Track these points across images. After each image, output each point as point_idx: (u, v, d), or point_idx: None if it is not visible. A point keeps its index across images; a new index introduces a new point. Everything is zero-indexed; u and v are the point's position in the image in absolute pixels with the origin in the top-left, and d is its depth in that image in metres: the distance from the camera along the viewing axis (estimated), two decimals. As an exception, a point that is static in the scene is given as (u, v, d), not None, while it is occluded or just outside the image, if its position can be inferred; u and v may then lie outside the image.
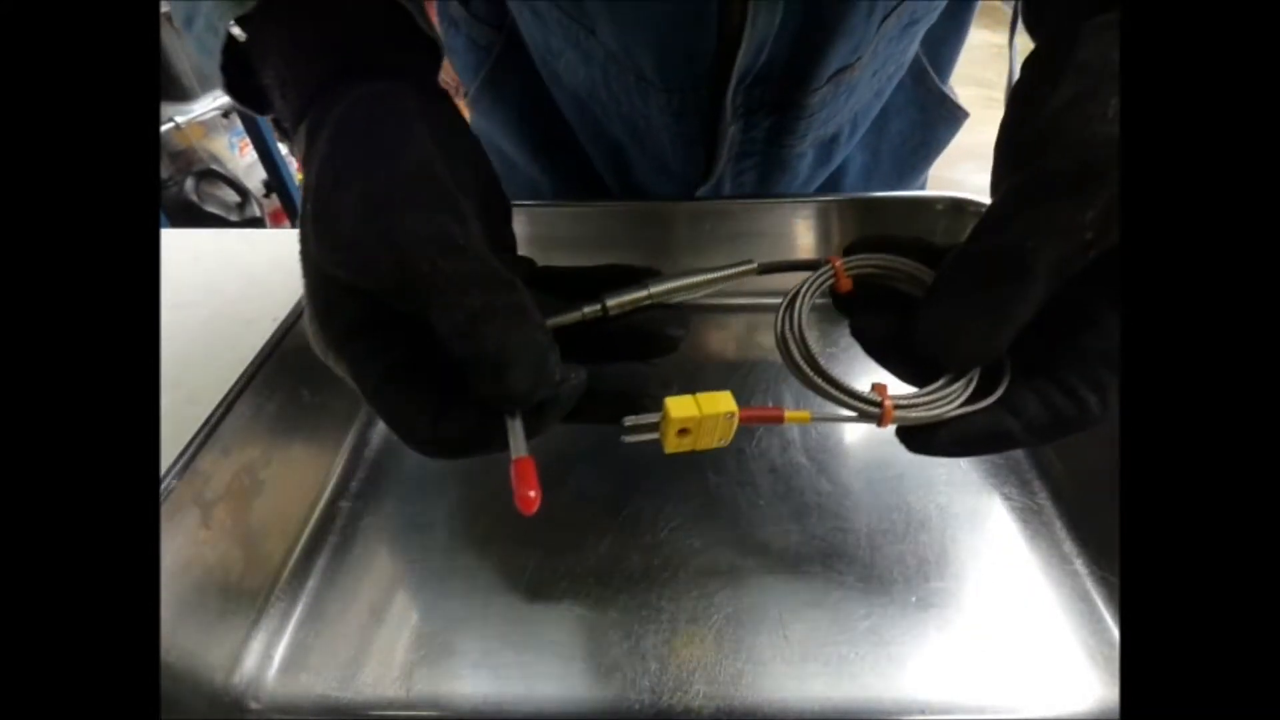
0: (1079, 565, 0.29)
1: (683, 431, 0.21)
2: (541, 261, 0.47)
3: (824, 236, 0.44)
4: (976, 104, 0.53)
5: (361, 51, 0.24)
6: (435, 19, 0.51)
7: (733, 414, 0.21)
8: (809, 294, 0.24)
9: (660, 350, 0.24)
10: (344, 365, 0.21)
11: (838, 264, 0.24)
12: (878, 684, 0.25)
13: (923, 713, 0.25)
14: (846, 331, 0.25)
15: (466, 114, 0.53)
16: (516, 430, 0.21)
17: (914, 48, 0.42)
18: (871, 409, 0.21)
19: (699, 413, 0.21)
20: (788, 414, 0.22)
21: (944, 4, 0.40)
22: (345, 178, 0.20)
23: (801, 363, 0.22)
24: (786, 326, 0.23)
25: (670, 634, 0.27)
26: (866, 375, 0.25)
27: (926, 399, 0.21)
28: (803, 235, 0.44)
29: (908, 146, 0.50)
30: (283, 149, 1.70)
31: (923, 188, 0.55)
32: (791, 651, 0.26)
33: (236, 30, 0.24)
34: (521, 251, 0.46)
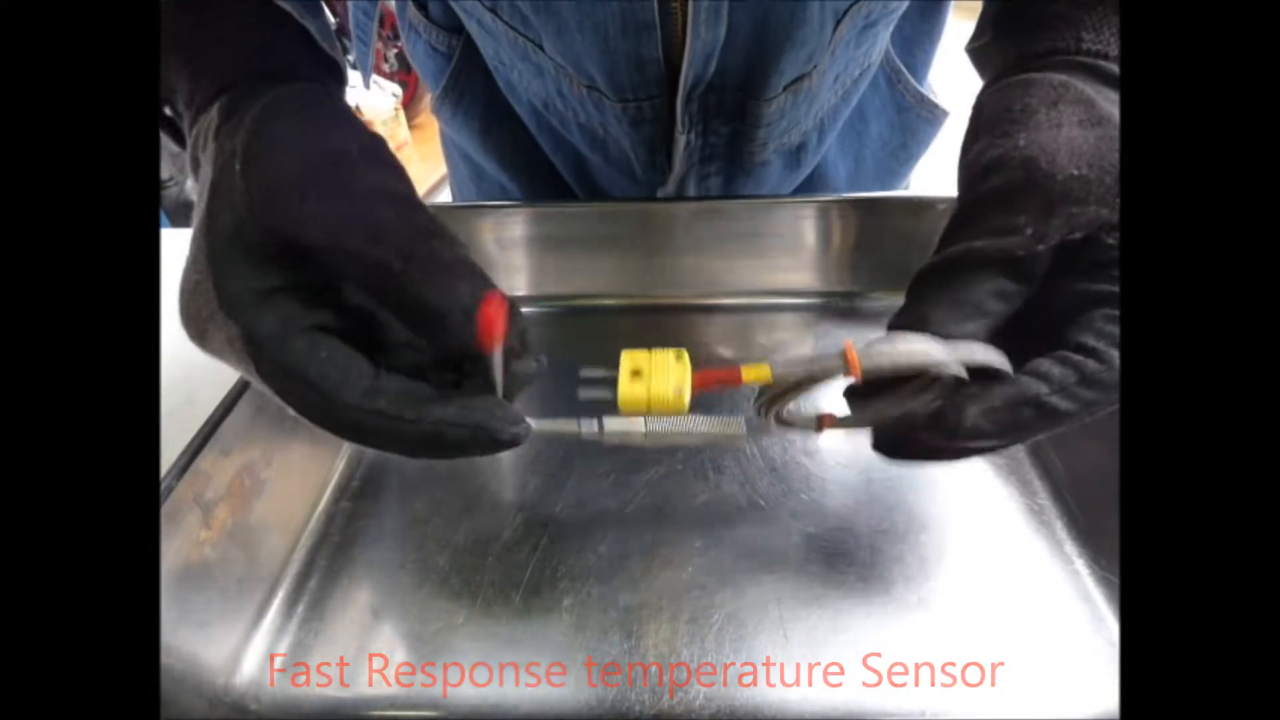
0: (1079, 565, 0.29)
1: (635, 374, 0.21)
2: (545, 260, 0.47)
3: (824, 236, 0.44)
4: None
5: (282, 52, 0.25)
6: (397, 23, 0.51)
7: (681, 388, 0.21)
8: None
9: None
10: (243, 324, 0.19)
11: (825, 420, 0.23)
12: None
13: (923, 714, 0.25)
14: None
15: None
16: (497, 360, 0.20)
17: (877, 50, 0.42)
18: (836, 361, 0.20)
19: (649, 364, 0.21)
20: (745, 369, 0.21)
21: (902, 5, 0.40)
22: (292, 143, 0.20)
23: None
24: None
25: (670, 634, 0.27)
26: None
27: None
28: (803, 235, 0.44)
29: (888, 150, 0.50)
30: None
31: (906, 187, 0.55)
32: (791, 651, 0.26)
33: None
34: (524, 252, 0.47)
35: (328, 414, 0.19)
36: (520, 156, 0.48)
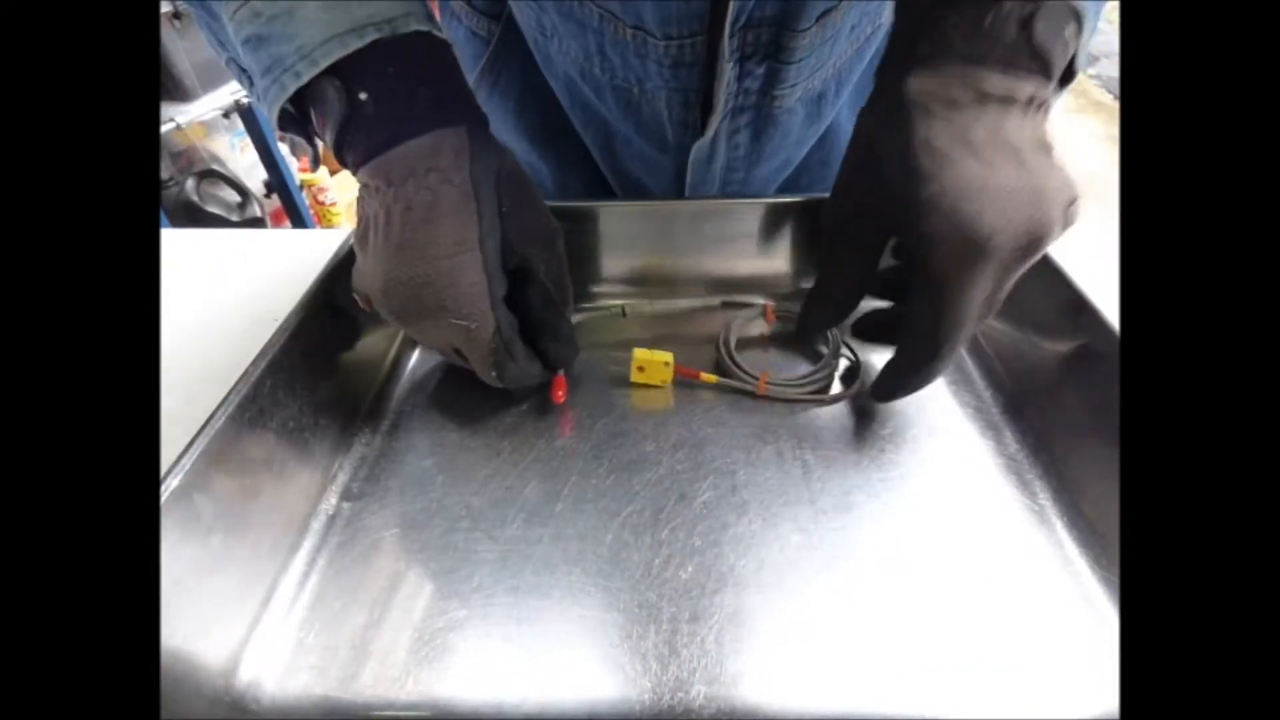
0: (1079, 565, 0.29)
1: (640, 369, 0.39)
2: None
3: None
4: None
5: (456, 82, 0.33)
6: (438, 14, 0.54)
7: (669, 363, 0.38)
8: (743, 322, 0.43)
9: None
10: (493, 318, 0.32)
11: (768, 306, 0.43)
12: (878, 684, 0.25)
13: (923, 714, 0.25)
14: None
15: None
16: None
17: (886, 12, 0.43)
18: (750, 381, 0.38)
19: (650, 359, 0.39)
20: (703, 374, 0.39)
21: None
22: (540, 206, 0.35)
23: (724, 352, 0.40)
24: (724, 334, 0.41)
25: (670, 634, 0.27)
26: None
27: (793, 384, 0.38)
28: (804, 235, 0.44)
29: None
30: (283, 149, 1.70)
31: None
32: (792, 652, 0.26)
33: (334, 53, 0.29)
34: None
35: (513, 379, 0.35)
36: (551, 135, 0.51)
